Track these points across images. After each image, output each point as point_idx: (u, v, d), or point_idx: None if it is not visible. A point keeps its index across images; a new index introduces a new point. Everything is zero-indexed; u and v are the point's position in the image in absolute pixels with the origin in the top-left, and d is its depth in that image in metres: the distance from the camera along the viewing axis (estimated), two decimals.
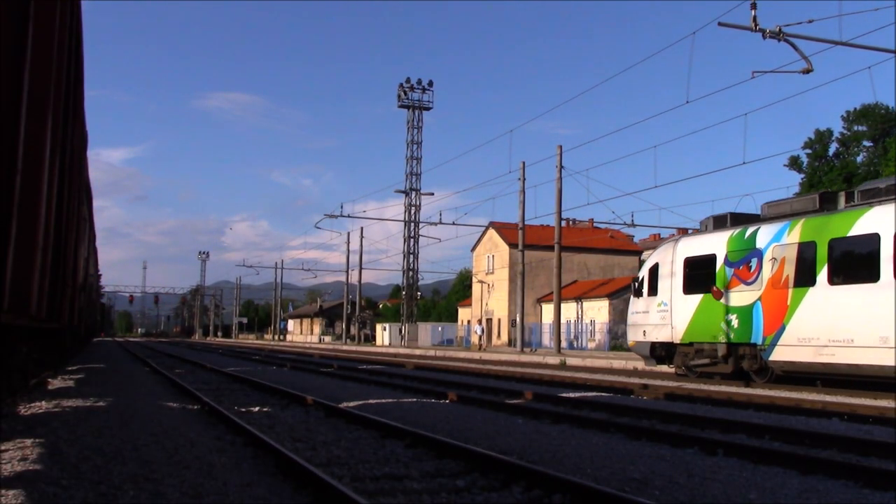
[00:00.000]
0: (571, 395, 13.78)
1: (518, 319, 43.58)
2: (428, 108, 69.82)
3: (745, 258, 17.91)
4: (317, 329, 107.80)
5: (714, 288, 18.59)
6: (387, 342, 72.62)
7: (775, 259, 17.06)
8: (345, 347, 59.82)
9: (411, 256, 68.34)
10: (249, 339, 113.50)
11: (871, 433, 9.05)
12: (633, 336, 21.67)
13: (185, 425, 9.29)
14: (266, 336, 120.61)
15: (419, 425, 8.83)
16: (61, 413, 10.36)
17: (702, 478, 6.27)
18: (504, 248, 65.96)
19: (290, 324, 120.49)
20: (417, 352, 46.44)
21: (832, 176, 58.08)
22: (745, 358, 17.87)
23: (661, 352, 20.51)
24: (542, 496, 5.56)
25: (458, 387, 15.78)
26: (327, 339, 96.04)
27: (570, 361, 30.26)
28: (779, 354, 16.74)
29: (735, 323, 17.94)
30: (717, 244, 18.84)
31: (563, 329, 43.94)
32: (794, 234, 16.72)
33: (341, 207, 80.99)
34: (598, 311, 57.46)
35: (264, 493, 5.59)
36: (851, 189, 17.52)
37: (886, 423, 10.21)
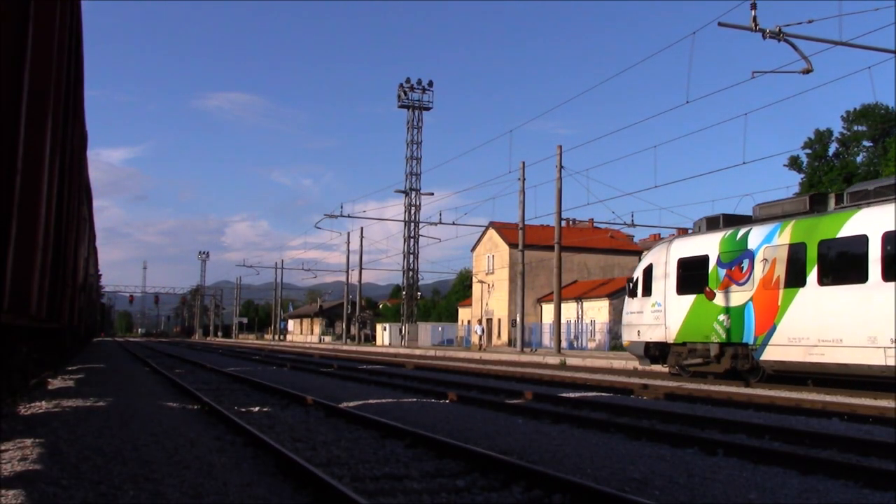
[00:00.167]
0: (571, 395, 13.78)
1: (518, 319, 43.58)
2: (428, 108, 69.85)
3: (737, 259, 18.12)
4: (317, 329, 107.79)
5: (707, 288, 18.82)
6: (387, 342, 72.60)
7: (766, 260, 17.28)
8: (345, 347, 59.81)
9: (411, 256, 68.36)
10: (249, 340, 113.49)
11: (871, 433, 9.05)
12: (628, 336, 21.94)
13: (185, 425, 9.29)
14: (266, 336, 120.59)
15: (419, 425, 8.83)
16: (61, 413, 10.36)
17: (702, 478, 6.27)
18: (504, 248, 65.96)
19: (290, 324, 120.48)
20: (417, 352, 46.44)
21: (832, 176, 58.05)
22: (737, 357, 18.05)
23: (655, 351, 20.76)
24: (542, 496, 5.56)
25: (458, 387, 15.78)
26: (327, 339, 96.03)
27: (570, 361, 30.26)
28: (770, 354, 16.98)
29: (727, 323, 18.17)
30: (709, 245, 19.07)
31: (563, 329, 43.93)
32: (785, 236, 16.95)
33: (341, 207, 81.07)
34: (598, 311, 57.47)
35: (264, 493, 5.59)
36: (841, 191, 17.72)
37: (886, 423, 10.21)
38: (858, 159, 60.59)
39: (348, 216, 59.31)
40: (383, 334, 76.87)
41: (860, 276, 15.09)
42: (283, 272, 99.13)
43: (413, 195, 66.96)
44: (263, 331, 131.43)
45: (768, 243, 17.31)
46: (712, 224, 19.73)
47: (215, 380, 18.23)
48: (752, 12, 19.39)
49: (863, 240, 15.12)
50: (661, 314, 20.19)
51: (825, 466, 6.61)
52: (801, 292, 16.29)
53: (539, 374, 21.46)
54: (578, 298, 59.39)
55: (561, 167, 36.93)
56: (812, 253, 16.14)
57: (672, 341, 19.92)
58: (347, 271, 73.38)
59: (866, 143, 60.89)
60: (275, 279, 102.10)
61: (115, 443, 7.73)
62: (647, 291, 20.84)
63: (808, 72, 19.98)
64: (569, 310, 57.10)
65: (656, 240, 71.80)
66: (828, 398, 13.67)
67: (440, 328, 73.71)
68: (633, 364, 25.67)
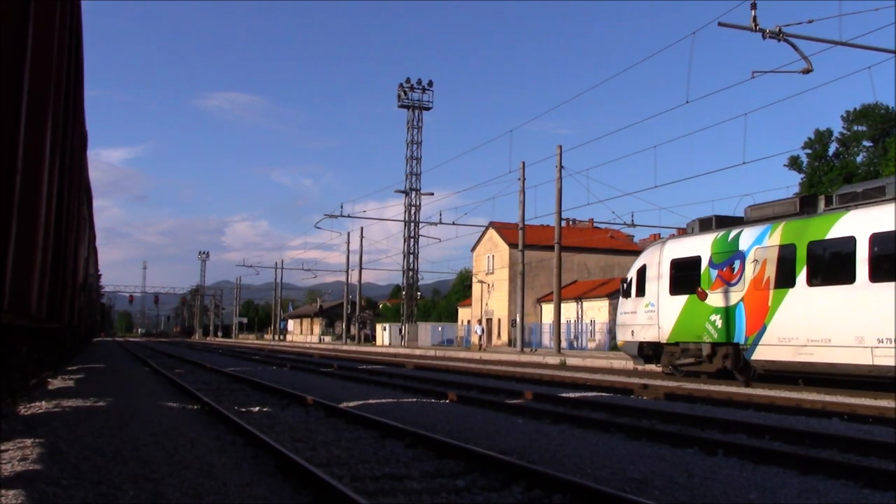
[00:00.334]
0: (571, 395, 13.78)
1: (518, 319, 43.58)
2: (428, 108, 69.89)
3: (729, 260, 18.27)
4: (317, 329, 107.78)
5: (699, 289, 18.99)
6: (387, 342, 72.60)
7: (757, 261, 17.44)
8: (345, 347, 59.81)
9: (411, 256, 68.37)
10: (249, 339, 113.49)
11: (871, 433, 9.05)
12: (622, 336, 22.14)
13: (185, 425, 9.29)
14: (266, 336, 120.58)
15: (419, 425, 8.83)
16: (61, 413, 10.36)
17: (702, 478, 6.27)
18: (504, 248, 65.96)
19: (290, 324, 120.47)
20: (417, 352, 46.43)
21: (832, 176, 58.03)
22: (728, 357, 18.18)
23: (648, 351, 20.96)
24: (542, 496, 5.56)
25: (458, 387, 15.78)
26: (327, 339, 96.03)
27: (570, 361, 30.26)
28: (760, 354, 17.13)
29: (719, 323, 18.33)
30: (702, 246, 19.23)
31: (563, 329, 43.93)
32: (775, 237, 17.11)
33: (341, 207, 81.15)
34: (598, 311, 57.48)
35: (264, 493, 5.59)
36: (830, 193, 17.86)
37: (886, 423, 10.21)
38: (858, 159, 60.57)
39: (348, 216, 59.44)
40: (383, 334, 76.88)
41: (848, 276, 15.25)
42: (283, 272, 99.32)
43: (413, 195, 67.02)
44: (263, 331, 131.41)
45: (759, 244, 17.48)
46: (705, 225, 19.94)
47: (215, 380, 18.24)
48: (752, 12, 19.42)
49: (851, 241, 15.28)
50: (655, 314, 20.37)
51: (825, 466, 6.61)
52: (791, 293, 16.45)
53: (539, 374, 21.47)
54: (578, 298, 59.39)
55: (561, 167, 36.94)
56: (801, 254, 16.30)
57: (665, 341, 20.10)
58: (347, 271, 73.45)
59: (866, 143, 60.88)
60: (275, 279, 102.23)
61: (115, 443, 7.73)
62: (641, 292, 21.01)
63: (808, 72, 19.99)
64: (569, 310, 57.11)
65: (656, 240, 71.98)
66: (828, 398, 13.67)
67: (440, 328, 73.71)
68: (633, 364, 25.70)
